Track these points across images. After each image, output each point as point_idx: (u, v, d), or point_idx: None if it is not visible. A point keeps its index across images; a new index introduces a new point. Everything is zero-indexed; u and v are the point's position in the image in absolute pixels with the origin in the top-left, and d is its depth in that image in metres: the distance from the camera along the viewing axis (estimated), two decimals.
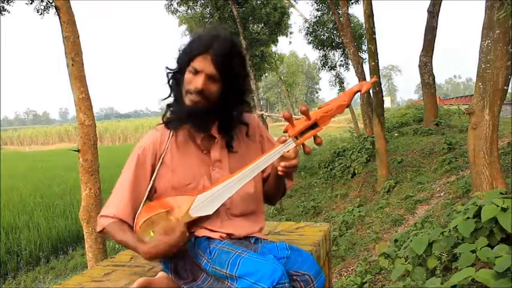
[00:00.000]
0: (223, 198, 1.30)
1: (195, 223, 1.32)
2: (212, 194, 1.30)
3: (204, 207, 1.30)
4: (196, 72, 1.28)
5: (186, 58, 1.30)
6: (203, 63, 1.27)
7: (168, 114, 1.36)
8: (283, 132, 1.27)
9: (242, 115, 1.40)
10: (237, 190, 1.30)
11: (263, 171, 1.45)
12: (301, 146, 1.27)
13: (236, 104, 1.36)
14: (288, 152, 1.24)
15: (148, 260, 1.29)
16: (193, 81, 1.28)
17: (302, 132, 1.25)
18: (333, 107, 1.24)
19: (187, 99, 1.29)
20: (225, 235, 1.33)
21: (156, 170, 1.36)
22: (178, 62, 1.33)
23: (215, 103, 1.30)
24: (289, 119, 1.23)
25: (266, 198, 1.50)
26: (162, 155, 1.36)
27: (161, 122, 1.37)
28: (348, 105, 1.27)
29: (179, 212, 1.29)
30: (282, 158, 1.25)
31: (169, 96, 1.37)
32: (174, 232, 1.24)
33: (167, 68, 1.36)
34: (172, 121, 1.35)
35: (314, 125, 1.25)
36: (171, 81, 1.36)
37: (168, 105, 1.36)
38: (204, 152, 1.38)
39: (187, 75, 1.30)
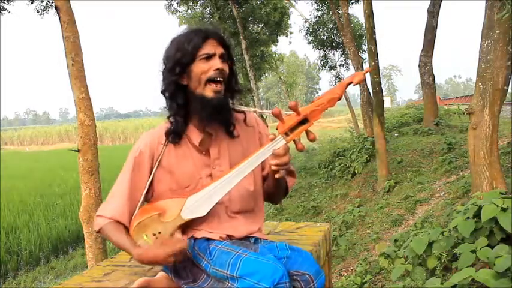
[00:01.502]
0: (215, 199, 1.28)
1: (191, 225, 1.31)
2: (203, 195, 1.28)
3: (195, 209, 1.28)
4: (209, 57, 1.28)
5: (190, 52, 1.28)
6: (213, 46, 1.30)
7: (172, 127, 1.34)
8: (276, 129, 1.24)
9: (241, 109, 1.40)
10: (229, 190, 1.28)
11: (262, 170, 1.44)
12: (294, 142, 1.23)
13: (237, 90, 1.37)
14: (278, 149, 1.21)
15: (141, 263, 1.28)
16: (211, 66, 1.28)
17: (292, 128, 1.21)
18: (324, 101, 1.20)
19: (209, 91, 1.28)
20: (224, 236, 1.33)
21: (153, 173, 1.35)
22: (178, 64, 1.29)
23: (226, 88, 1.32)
24: (278, 116, 1.19)
25: (268, 197, 1.49)
26: (159, 158, 1.35)
27: (165, 138, 1.35)
28: (340, 98, 1.22)
29: (171, 215, 1.28)
30: (273, 156, 1.22)
31: (174, 106, 1.32)
32: (171, 244, 1.23)
33: (165, 76, 1.31)
34: (176, 131, 1.33)
35: (304, 121, 1.20)
36: (174, 90, 1.31)
37: (169, 117, 1.34)
38: (203, 152, 1.36)
39: (199, 66, 1.28)
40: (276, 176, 1.24)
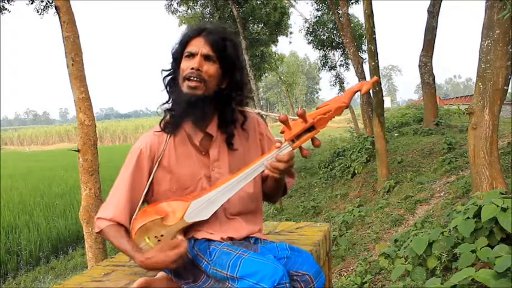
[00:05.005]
0: (219, 203, 1.28)
1: (192, 226, 1.31)
2: (207, 200, 1.28)
3: (199, 213, 1.28)
4: (191, 55, 1.28)
5: (180, 48, 1.31)
6: (197, 45, 1.28)
7: (166, 118, 1.34)
8: (280, 133, 1.24)
9: (242, 109, 1.38)
10: (233, 195, 1.28)
11: (262, 171, 1.45)
12: (299, 149, 1.23)
13: (236, 95, 1.35)
14: (283, 155, 1.21)
15: (143, 268, 1.28)
16: (189, 64, 1.27)
17: (298, 135, 1.21)
18: (332, 109, 1.20)
19: (185, 87, 1.27)
20: (225, 237, 1.33)
21: (153, 173, 1.34)
22: (172, 59, 1.33)
23: (215, 90, 1.29)
24: (284, 122, 1.19)
25: (266, 197, 1.49)
26: (160, 158, 1.34)
27: (159, 126, 1.35)
28: (347, 107, 1.23)
29: (174, 218, 1.27)
30: (276, 160, 1.22)
31: (168, 100, 1.35)
32: (173, 248, 1.22)
33: (163, 70, 1.35)
34: (170, 122, 1.33)
35: (311, 128, 1.21)
36: (168, 83, 1.35)
37: (166, 110, 1.35)
38: (203, 153, 1.36)
39: (183, 63, 1.29)
40: (272, 174, 1.25)
